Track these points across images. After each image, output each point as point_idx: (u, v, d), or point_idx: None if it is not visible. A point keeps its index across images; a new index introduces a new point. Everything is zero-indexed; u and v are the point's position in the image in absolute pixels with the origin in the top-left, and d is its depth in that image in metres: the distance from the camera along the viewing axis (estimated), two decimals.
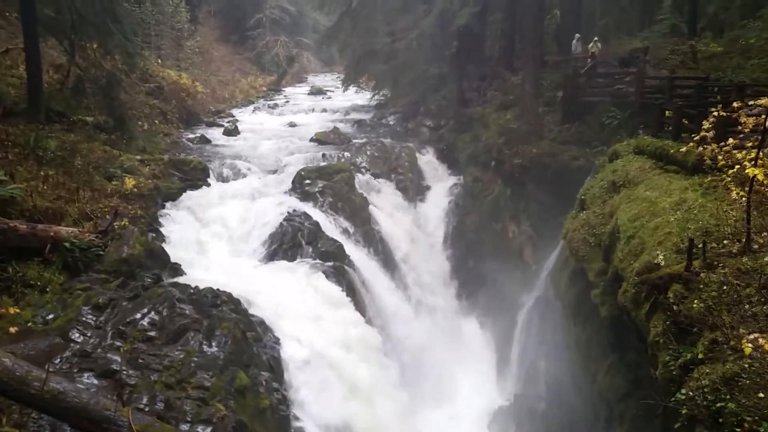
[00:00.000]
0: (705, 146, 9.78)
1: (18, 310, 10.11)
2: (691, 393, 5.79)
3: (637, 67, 21.11)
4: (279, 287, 14.36)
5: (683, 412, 5.78)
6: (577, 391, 13.40)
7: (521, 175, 19.21)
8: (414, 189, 22.71)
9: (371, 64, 29.76)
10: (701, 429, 5.57)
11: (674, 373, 6.73)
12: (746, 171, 7.63)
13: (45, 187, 14.14)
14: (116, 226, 13.83)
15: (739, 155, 8.88)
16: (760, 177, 7.05)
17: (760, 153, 7.90)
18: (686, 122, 11.72)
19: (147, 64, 28.04)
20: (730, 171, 7.88)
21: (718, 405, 5.46)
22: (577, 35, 20.67)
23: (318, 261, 15.70)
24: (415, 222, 21.78)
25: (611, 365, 10.81)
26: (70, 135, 17.85)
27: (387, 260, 19.47)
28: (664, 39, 25.93)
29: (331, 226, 18.07)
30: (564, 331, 14.72)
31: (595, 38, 20.03)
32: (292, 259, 15.79)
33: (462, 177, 23.57)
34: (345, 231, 18.47)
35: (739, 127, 9.29)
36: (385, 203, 21.25)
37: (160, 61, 32.08)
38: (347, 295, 15.25)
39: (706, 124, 9.97)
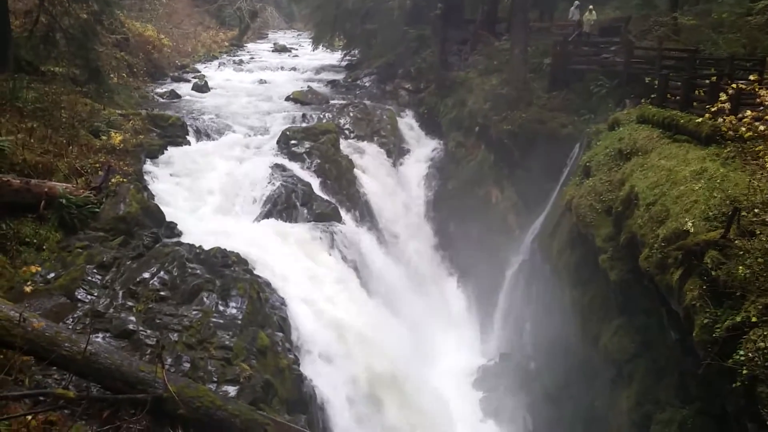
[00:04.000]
0: (723, 117, 10.07)
1: (38, 268, 9.65)
2: (750, 354, 6.10)
3: (621, 37, 21.43)
4: (278, 248, 14.21)
5: (744, 372, 6.09)
6: (571, 352, 13.85)
7: (509, 141, 19.36)
8: (396, 152, 22.64)
9: (346, 23, 29.10)
10: (763, 387, 5.89)
11: (715, 335, 7.03)
12: None
13: (32, 141, 13.45)
14: (110, 183, 13.34)
15: (762, 127, 9.24)
16: None
17: None
18: (700, 93, 11.97)
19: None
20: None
21: None
22: (577, 2, 20.75)
23: (314, 222, 15.57)
24: (397, 184, 21.76)
25: (619, 327, 11.20)
26: (46, 87, 16.96)
27: (372, 222, 19.48)
28: (639, 10, 26.39)
29: (320, 187, 17.88)
30: (555, 294, 15.09)
31: (590, 6, 20.12)
32: (287, 219, 15.63)
33: (443, 141, 23.59)
34: (333, 192, 18.31)
35: (758, 100, 9.58)
36: (368, 165, 21.13)
37: (126, 12, 30.57)
38: (343, 256, 15.24)
39: (723, 96, 10.28)
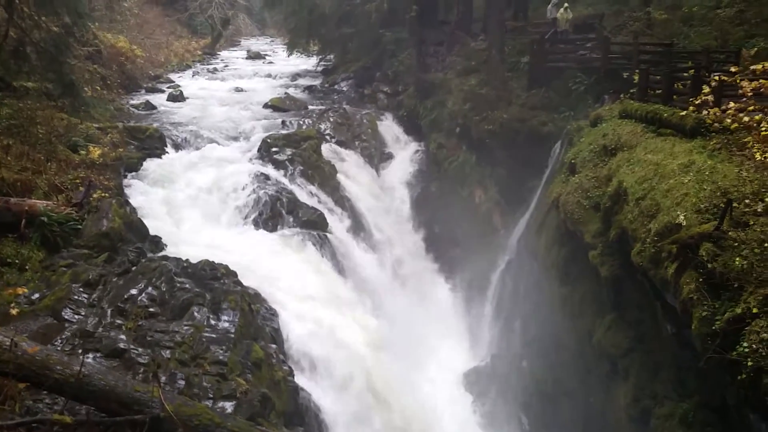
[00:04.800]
0: (707, 110, 10.17)
1: (25, 289, 9.38)
2: (754, 345, 6.13)
3: (596, 34, 21.62)
4: (266, 258, 14.04)
5: (749, 363, 6.11)
6: (563, 349, 13.89)
7: (490, 140, 19.40)
8: (378, 156, 22.58)
9: (321, 28, 28.98)
10: None
11: (715, 327, 7.05)
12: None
13: (9, 158, 13.13)
14: (91, 199, 13.07)
15: (746, 118, 9.34)
16: None
17: None
18: (680, 87, 12.09)
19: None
20: (758, 131, 8.20)
21: None
22: (553, 0, 20.88)
23: (301, 230, 15.42)
24: (381, 188, 21.70)
25: (612, 322, 11.24)
26: (19, 102, 16.57)
27: (358, 227, 19.38)
28: (611, 6, 26.68)
29: (304, 194, 17.74)
30: (544, 291, 15.14)
31: (566, 5, 20.24)
32: (273, 228, 15.46)
33: (424, 143, 23.60)
34: (318, 199, 18.18)
35: (740, 91, 9.69)
36: (351, 170, 21.04)
37: (97, 23, 30.07)
38: (332, 264, 15.12)
39: (706, 89, 10.39)
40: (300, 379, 11.50)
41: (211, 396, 9.00)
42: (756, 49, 16.36)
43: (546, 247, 15.14)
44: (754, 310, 6.42)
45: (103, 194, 13.27)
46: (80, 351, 9.31)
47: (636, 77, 16.02)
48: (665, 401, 9.43)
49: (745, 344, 6.24)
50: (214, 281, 11.35)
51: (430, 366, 17.92)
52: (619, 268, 10.92)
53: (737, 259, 7.04)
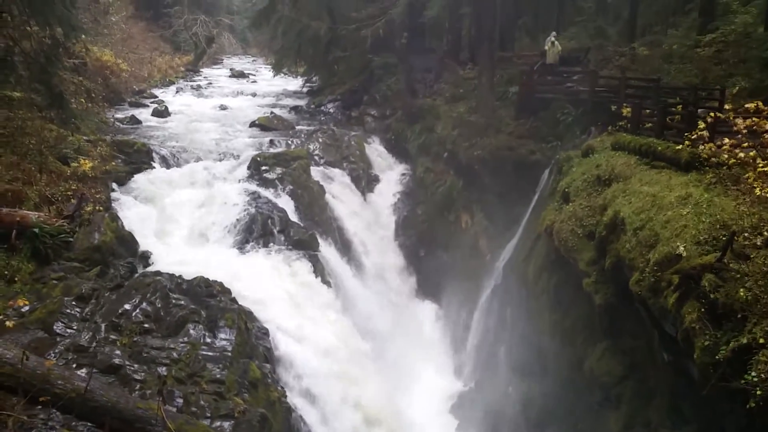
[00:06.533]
0: (702, 144, 10.50)
1: (26, 302, 9.16)
2: (763, 375, 6.29)
3: (582, 67, 22.18)
4: (257, 276, 13.93)
5: (758, 393, 6.26)
6: (551, 375, 13.97)
7: (479, 167, 19.65)
8: (365, 178, 22.67)
9: (310, 50, 29.20)
10: None
11: (718, 357, 7.21)
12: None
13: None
14: (83, 212, 12.89)
15: (741, 154, 9.67)
16: None
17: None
18: (670, 121, 12.44)
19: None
20: (758, 167, 8.49)
21: None
22: (554, 33, 21.41)
23: (292, 249, 15.36)
24: (367, 210, 21.76)
25: (606, 350, 11.38)
26: (10, 112, 16.32)
27: (345, 248, 19.38)
28: (593, 40, 27.44)
29: (294, 214, 17.70)
30: (532, 318, 15.25)
31: (553, 39, 20.73)
32: (264, 247, 15.35)
33: (411, 167, 23.77)
34: (306, 218, 18.15)
35: (734, 128, 10.03)
36: (339, 192, 21.07)
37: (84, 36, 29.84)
38: (323, 284, 15.08)
39: (701, 124, 10.72)
40: (292, 400, 11.41)
41: (209, 415, 8.90)
42: (738, 87, 16.98)
43: (535, 274, 15.30)
44: (761, 341, 6.59)
45: (95, 207, 13.09)
46: (74, 366, 9.16)
47: (625, 110, 16.46)
48: (659, 429, 9.55)
49: (753, 373, 6.39)
50: (209, 298, 11.24)
51: (415, 390, 17.90)
52: (614, 296, 11.08)
53: (741, 290, 7.23)
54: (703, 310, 7.77)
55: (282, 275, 14.32)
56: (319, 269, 15.54)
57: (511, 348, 16.51)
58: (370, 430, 13.25)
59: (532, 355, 15.00)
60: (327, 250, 17.59)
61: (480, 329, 18.48)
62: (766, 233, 8.04)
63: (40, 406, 7.80)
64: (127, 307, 10.62)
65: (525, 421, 14.36)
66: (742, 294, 7.21)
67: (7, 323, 8.56)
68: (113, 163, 17.28)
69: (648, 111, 15.19)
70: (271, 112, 28.41)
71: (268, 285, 13.73)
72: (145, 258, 13.45)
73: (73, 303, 10.52)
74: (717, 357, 7.28)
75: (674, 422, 9.31)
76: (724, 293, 7.57)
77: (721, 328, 7.52)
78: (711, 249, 8.39)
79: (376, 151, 24.70)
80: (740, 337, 6.97)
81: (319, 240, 17.57)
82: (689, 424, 8.91)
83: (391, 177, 23.81)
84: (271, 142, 22.54)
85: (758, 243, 8.01)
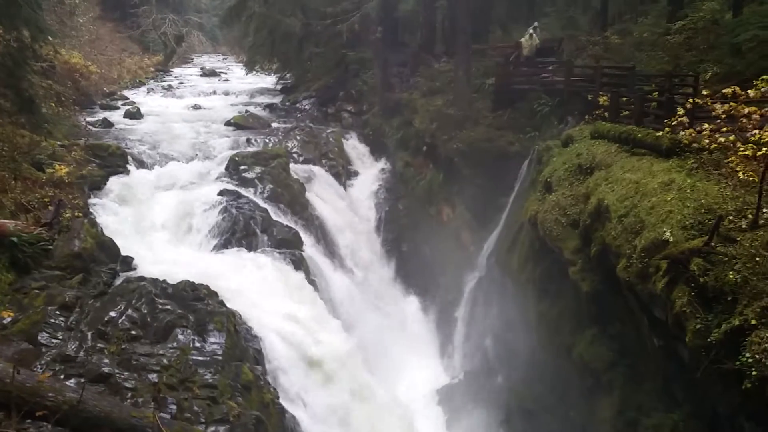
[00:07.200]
0: (682, 130, 10.63)
1: (11, 313, 8.92)
2: (757, 356, 6.39)
3: (556, 57, 22.34)
4: (243, 277, 13.80)
5: (753, 373, 6.36)
6: (539, 364, 14.09)
7: (459, 159, 19.69)
8: (344, 174, 22.60)
9: (284, 46, 28.95)
10: None
11: (710, 340, 7.32)
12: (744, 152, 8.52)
13: None
14: (62, 218, 12.60)
15: (721, 139, 9.80)
16: None
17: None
18: (647, 108, 12.56)
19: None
20: (739, 151, 8.63)
21: None
22: (535, 23, 21.49)
23: (276, 249, 15.24)
24: (348, 207, 21.69)
25: (594, 336, 11.50)
26: None
27: (327, 246, 19.29)
28: (564, 30, 27.66)
29: (275, 213, 17.55)
30: (518, 308, 15.37)
31: (530, 31, 20.78)
32: (247, 248, 15.21)
33: (390, 162, 23.75)
34: (288, 217, 18.02)
35: (713, 113, 10.16)
36: (319, 189, 20.98)
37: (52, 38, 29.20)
38: (309, 283, 15.00)
39: (681, 111, 10.86)
40: (283, 402, 11.33)
41: (203, 420, 8.80)
42: (710, 73, 17.23)
43: (520, 264, 15.39)
44: (753, 322, 6.69)
45: (74, 213, 12.82)
46: (62, 376, 8.97)
47: (601, 99, 16.60)
48: (652, 412, 9.68)
49: (747, 354, 6.49)
50: (196, 302, 11.10)
51: (402, 383, 17.91)
52: (601, 283, 11.19)
53: (731, 273, 7.34)
54: (692, 294, 7.87)
55: (267, 275, 14.18)
56: (304, 268, 15.43)
57: (498, 338, 16.62)
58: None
59: (519, 345, 15.11)
60: (310, 249, 17.50)
61: (465, 321, 18.56)
62: (750, 216, 8.17)
63: (29, 420, 7.65)
64: (112, 314, 10.43)
65: (516, 411, 14.46)
66: (731, 277, 7.32)
67: None
68: (88, 168, 16.95)
69: (625, 99, 15.35)
70: (246, 111, 28.11)
71: (253, 285, 13.59)
72: (126, 263, 13.20)
73: (57, 312, 10.29)
74: (709, 340, 7.38)
75: (666, 405, 9.45)
76: (713, 276, 7.68)
77: (711, 311, 7.63)
78: (697, 233, 8.50)
79: (354, 147, 24.63)
80: (732, 319, 7.08)
81: (303, 238, 17.49)
82: (681, 406, 9.05)
83: (371, 172, 23.76)
84: (248, 140, 22.32)
85: (744, 226, 8.13)
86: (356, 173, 23.47)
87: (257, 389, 10.07)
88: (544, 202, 13.41)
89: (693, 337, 7.67)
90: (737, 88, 9.92)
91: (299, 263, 15.27)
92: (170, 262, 14.00)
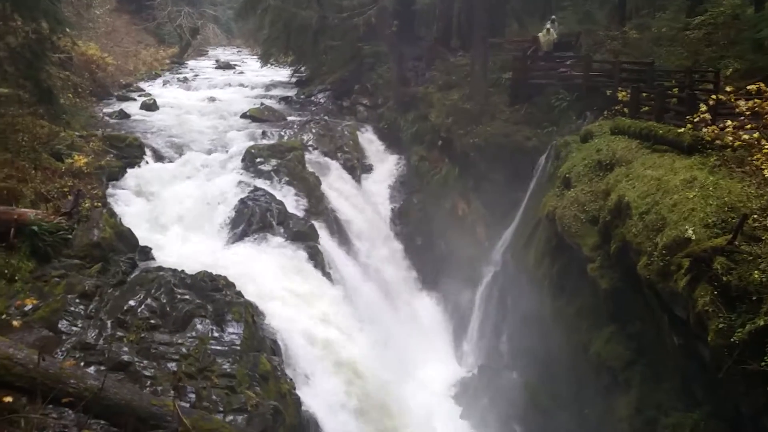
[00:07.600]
0: (705, 127, 10.52)
1: (34, 300, 9.02)
2: None
3: (575, 52, 22.18)
4: (260, 268, 13.83)
5: None
6: (555, 361, 14.05)
7: (475, 154, 19.62)
8: (359, 168, 22.58)
9: (299, 39, 28.89)
10: None
11: (733, 339, 7.25)
12: None
13: None
14: (81, 208, 12.70)
15: (745, 136, 9.70)
16: None
17: None
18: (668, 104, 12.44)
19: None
20: (764, 149, 8.52)
21: None
22: (552, 17, 21.37)
23: (292, 241, 15.26)
24: (363, 200, 21.67)
25: (612, 334, 11.44)
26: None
27: (342, 238, 19.29)
28: (582, 25, 27.44)
29: (292, 205, 17.57)
30: (533, 304, 15.30)
31: (548, 26, 20.62)
32: (263, 240, 15.21)
33: (405, 156, 23.71)
34: (304, 210, 18.03)
35: (737, 110, 10.05)
36: (334, 182, 20.93)
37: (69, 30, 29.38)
38: (324, 276, 15.03)
39: (703, 107, 10.74)
40: (300, 391, 11.36)
41: (221, 409, 8.85)
42: (731, 69, 17.03)
43: (536, 260, 15.33)
44: None
45: (93, 203, 12.91)
46: (82, 364, 9.04)
47: (620, 95, 16.46)
48: (671, 411, 9.62)
49: None
50: (215, 292, 11.15)
51: (417, 377, 17.90)
52: (620, 280, 11.13)
53: (755, 272, 7.27)
54: (715, 293, 7.81)
55: (283, 267, 14.21)
56: (320, 261, 15.45)
57: (513, 334, 16.60)
58: (373, 417, 13.22)
59: (534, 342, 15.07)
60: (326, 241, 17.51)
61: (480, 316, 18.53)
62: None
63: (51, 405, 7.72)
64: (131, 303, 10.51)
65: (531, 407, 14.43)
66: (756, 276, 7.25)
67: (14, 323, 8.42)
68: (106, 159, 17.06)
69: (645, 94, 15.20)
70: (262, 103, 28.14)
71: (270, 277, 13.63)
72: (145, 253, 13.30)
73: (77, 300, 10.38)
74: (732, 339, 7.33)
75: (686, 404, 9.39)
76: (737, 276, 7.62)
77: (735, 311, 7.57)
78: (720, 232, 8.43)
79: (369, 140, 24.59)
80: (756, 319, 7.02)
81: (318, 231, 17.50)
82: (702, 406, 8.98)
83: (386, 166, 23.73)
84: (264, 133, 22.35)
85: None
86: (371, 167, 23.44)
87: (275, 379, 10.11)
88: (562, 198, 13.34)
89: (715, 337, 7.61)
90: (762, 85, 9.82)
91: (315, 256, 15.26)
92: (187, 253, 14.08)
